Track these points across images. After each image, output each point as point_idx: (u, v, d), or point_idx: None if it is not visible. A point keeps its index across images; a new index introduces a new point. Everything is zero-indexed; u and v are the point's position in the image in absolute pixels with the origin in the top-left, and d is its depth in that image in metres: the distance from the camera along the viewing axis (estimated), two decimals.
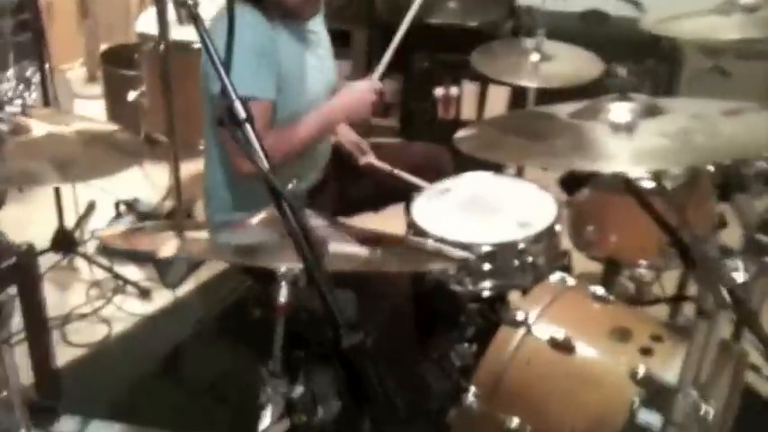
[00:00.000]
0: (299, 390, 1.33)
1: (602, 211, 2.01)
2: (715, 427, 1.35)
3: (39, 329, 1.66)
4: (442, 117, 3.40)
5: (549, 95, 2.17)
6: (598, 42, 2.42)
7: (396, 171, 2.09)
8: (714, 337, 1.26)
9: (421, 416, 1.78)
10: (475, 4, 3.43)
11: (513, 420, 1.48)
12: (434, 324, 1.99)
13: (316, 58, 1.96)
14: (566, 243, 1.96)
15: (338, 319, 0.83)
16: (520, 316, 1.54)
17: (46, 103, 2.65)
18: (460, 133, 1.43)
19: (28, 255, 1.62)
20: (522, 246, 1.74)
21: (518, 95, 2.71)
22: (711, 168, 1.64)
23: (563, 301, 1.61)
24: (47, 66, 2.68)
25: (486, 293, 1.73)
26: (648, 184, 1.50)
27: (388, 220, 2.11)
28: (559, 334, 1.50)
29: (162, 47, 2.47)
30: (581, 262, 2.07)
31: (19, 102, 2.84)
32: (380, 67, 2.03)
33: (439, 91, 3.37)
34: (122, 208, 2.88)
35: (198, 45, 1.93)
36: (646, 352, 1.47)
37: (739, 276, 1.25)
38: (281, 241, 1.27)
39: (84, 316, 2.44)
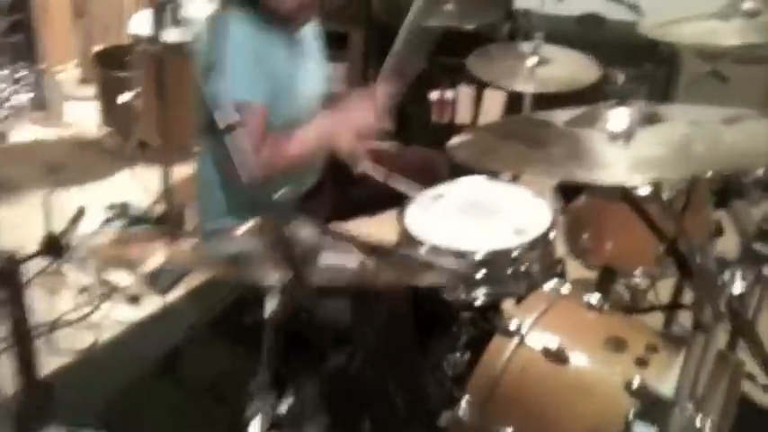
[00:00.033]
0: (287, 403, 1.30)
1: (598, 219, 1.99)
2: None
3: (24, 338, 1.63)
4: (436, 121, 3.38)
5: (546, 100, 2.16)
6: (595, 46, 2.40)
7: (391, 179, 2.06)
8: (711, 351, 1.24)
9: (420, 416, 1.76)
10: (472, 7, 3.40)
11: (507, 431, 1.45)
12: (434, 325, 1.97)
13: (309, 64, 1.95)
14: (561, 250, 1.94)
15: (324, 341, 0.81)
16: (513, 325, 1.52)
17: (38, 105, 2.63)
18: (455, 140, 1.40)
19: (11, 262, 1.59)
20: (516, 253, 1.71)
21: (514, 100, 2.69)
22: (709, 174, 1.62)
23: (557, 310, 1.59)
24: (40, 67, 2.66)
25: (479, 302, 1.71)
26: (644, 192, 1.48)
27: (384, 225, 2.09)
28: (553, 344, 1.48)
29: (156, 48, 2.45)
30: (576, 269, 2.05)
31: (10, 104, 2.82)
32: (382, 78, 2.02)
33: (434, 94, 3.35)
34: (112, 212, 2.84)
35: (191, 47, 1.93)
36: (641, 362, 1.45)
37: (737, 287, 1.23)
38: (269, 251, 1.24)
39: (72, 322, 2.41)
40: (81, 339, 2.35)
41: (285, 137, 1.85)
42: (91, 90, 3.70)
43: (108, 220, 2.83)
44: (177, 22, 2.77)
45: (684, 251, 1.32)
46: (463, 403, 1.51)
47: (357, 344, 1.69)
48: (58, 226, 2.57)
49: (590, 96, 1.49)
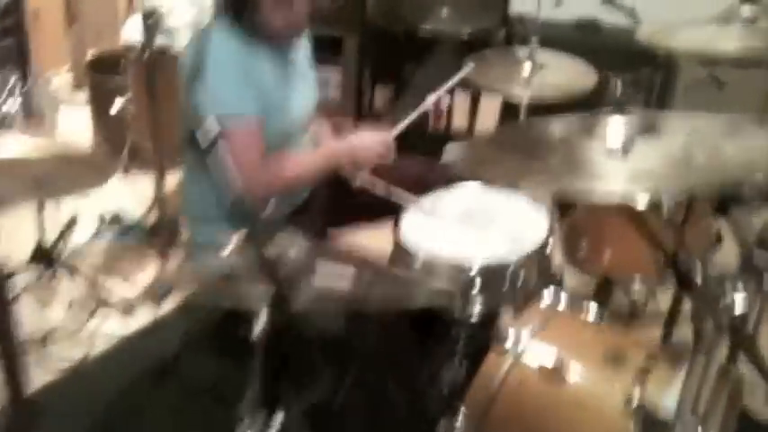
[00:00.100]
0: (276, 423, 1.27)
1: (596, 228, 1.97)
2: None
3: (11, 352, 1.59)
4: (433, 128, 3.35)
5: (543, 106, 2.13)
6: (592, 52, 2.37)
7: (389, 192, 2.03)
8: (712, 366, 1.21)
9: (418, 423, 1.73)
10: (468, 12, 3.38)
11: None
12: (433, 326, 1.94)
13: (297, 78, 1.95)
14: (558, 260, 1.91)
15: (313, 360, 0.78)
16: (510, 339, 1.49)
17: (29, 112, 2.60)
18: (450, 150, 1.38)
19: None
20: (513, 264, 1.68)
21: (510, 106, 2.66)
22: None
23: (555, 324, 1.56)
24: (31, 73, 2.63)
25: (475, 316, 1.68)
26: (643, 204, 1.46)
27: (380, 235, 2.06)
28: (551, 359, 1.45)
29: (146, 55, 2.42)
30: (574, 279, 2.02)
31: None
32: (400, 125, 2.01)
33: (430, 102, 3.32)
34: (105, 222, 2.81)
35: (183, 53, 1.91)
36: (641, 378, 1.42)
37: (737, 300, 1.20)
38: (255, 271, 1.21)
39: (64, 333, 2.37)
40: (73, 351, 2.31)
41: (285, 158, 1.85)
42: (83, 96, 3.68)
43: (99, 231, 2.79)
44: (163, 30, 2.74)
45: (684, 264, 1.29)
46: (460, 415, 1.49)
47: (347, 364, 1.67)
48: (50, 235, 2.54)
49: (587, 102, 1.47)
